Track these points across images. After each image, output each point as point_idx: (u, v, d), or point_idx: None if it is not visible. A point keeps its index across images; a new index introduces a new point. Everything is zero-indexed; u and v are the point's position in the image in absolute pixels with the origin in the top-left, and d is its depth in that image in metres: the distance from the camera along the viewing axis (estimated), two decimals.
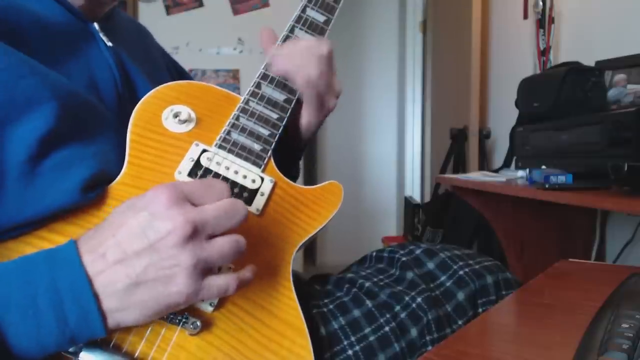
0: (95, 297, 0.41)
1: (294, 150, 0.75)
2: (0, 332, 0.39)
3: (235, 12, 2.45)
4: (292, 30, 0.68)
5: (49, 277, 0.41)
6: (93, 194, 0.51)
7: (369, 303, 0.63)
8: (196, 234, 0.42)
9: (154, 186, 0.44)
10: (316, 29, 0.69)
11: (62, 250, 0.43)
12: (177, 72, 0.83)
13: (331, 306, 0.63)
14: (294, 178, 0.74)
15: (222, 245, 0.44)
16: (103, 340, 0.44)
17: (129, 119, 0.59)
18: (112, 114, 0.60)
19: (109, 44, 0.64)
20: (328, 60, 0.65)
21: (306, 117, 0.69)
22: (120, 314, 0.42)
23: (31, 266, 0.42)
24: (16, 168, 0.47)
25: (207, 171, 0.58)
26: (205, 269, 0.44)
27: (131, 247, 0.42)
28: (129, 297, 0.42)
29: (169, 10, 2.43)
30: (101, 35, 0.63)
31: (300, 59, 0.64)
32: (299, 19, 0.69)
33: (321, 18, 0.70)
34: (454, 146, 2.53)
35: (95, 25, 0.63)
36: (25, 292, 0.40)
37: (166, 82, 0.64)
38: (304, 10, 0.69)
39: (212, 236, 0.44)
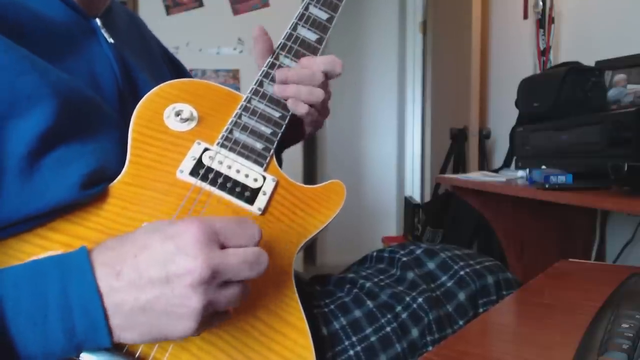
0: (104, 311, 0.41)
1: (283, 148, 0.76)
2: (9, 336, 0.39)
3: (235, 12, 2.45)
4: (295, 28, 0.68)
5: (60, 286, 0.41)
6: (92, 190, 0.51)
7: (369, 303, 0.63)
8: (213, 279, 0.42)
9: (188, 218, 0.43)
10: (319, 27, 0.69)
11: (74, 258, 0.42)
12: (170, 61, 0.82)
13: (332, 306, 0.63)
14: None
15: (233, 293, 0.44)
16: None
17: (131, 115, 0.59)
18: (114, 110, 0.59)
19: (110, 40, 0.63)
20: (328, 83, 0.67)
21: (308, 130, 0.71)
22: (122, 331, 0.42)
23: (43, 271, 0.41)
24: (16, 163, 0.47)
25: (209, 170, 0.58)
26: (211, 312, 0.43)
27: (148, 273, 0.41)
28: (133, 318, 0.42)
29: (169, 10, 2.43)
30: (103, 31, 0.63)
31: (304, 89, 0.65)
32: (302, 17, 0.69)
33: (324, 16, 0.69)
34: (454, 146, 2.53)
35: (98, 21, 0.63)
36: (36, 298, 0.40)
37: (165, 75, 0.64)
38: (306, 8, 0.69)
39: (227, 282, 0.44)
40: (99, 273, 0.42)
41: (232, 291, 0.44)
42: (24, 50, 0.51)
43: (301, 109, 0.66)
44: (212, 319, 0.44)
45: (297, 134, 0.72)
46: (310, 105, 0.67)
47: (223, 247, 0.43)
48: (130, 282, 0.41)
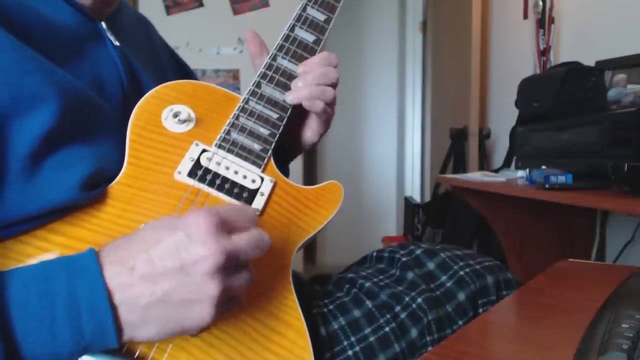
0: (113, 309, 0.41)
1: (290, 157, 0.75)
2: (15, 339, 0.39)
3: (235, 12, 2.44)
4: (292, 29, 0.68)
5: (68, 287, 0.40)
6: (92, 192, 0.51)
7: (368, 303, 0.63)
8: (227, 264, 0.42)
9: (195, 209, 0.44)
10: (317, 28, 0.69)
11: (82, 259, 0.42)
12: (177, 64, 0.82)
13: (331, 306, 0.63)
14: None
15: (245, 276, 0.45)
16: None
17: None
18: (118, 112, 0.59)
19: (116, 43, 0.63)
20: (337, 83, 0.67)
21: (314, 133, 0.70)
22: (137, 329, 0.42)
23: (50, 274, 0.41)
24: (18, 163, 0.47)
25: (207, 171, 0.58)
26: (227, 298, 0.44)
27: (162, 265, 0.42)
28: (150, 313, 0.42)
29: (169, 10, 2.43)
30: (109, 34, 0.63)
31: (317, 89, 0.65)
32: (299, 18, 0.69)
33: (322, 17, 0.69)
34: (454, 146, 2.53)
35: (103, 24, 0.63)
36: (44, 301, 0.40)
37: (170, 78, 0.64)
38: (304, 9, 0.69)
39: (237, 266, 0.44)
40: (108, 272, 0.41)
41: (244, 275, 0.45)
42: (30, 50, 0.51)
43: (317, 107, 0.65)
44: (226, 305, 0.44)
45: (298, 143, 0.72)
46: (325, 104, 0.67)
47: (229, 233, 0.44)
48: (144, 276, 0.41)
